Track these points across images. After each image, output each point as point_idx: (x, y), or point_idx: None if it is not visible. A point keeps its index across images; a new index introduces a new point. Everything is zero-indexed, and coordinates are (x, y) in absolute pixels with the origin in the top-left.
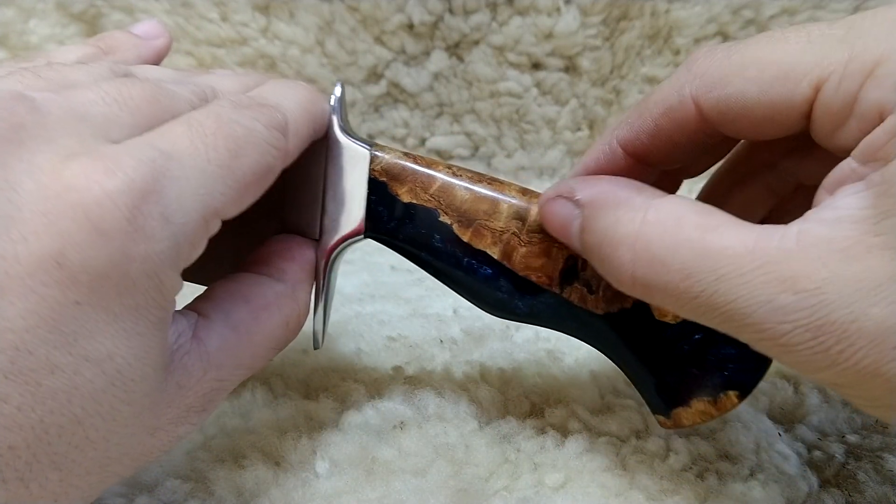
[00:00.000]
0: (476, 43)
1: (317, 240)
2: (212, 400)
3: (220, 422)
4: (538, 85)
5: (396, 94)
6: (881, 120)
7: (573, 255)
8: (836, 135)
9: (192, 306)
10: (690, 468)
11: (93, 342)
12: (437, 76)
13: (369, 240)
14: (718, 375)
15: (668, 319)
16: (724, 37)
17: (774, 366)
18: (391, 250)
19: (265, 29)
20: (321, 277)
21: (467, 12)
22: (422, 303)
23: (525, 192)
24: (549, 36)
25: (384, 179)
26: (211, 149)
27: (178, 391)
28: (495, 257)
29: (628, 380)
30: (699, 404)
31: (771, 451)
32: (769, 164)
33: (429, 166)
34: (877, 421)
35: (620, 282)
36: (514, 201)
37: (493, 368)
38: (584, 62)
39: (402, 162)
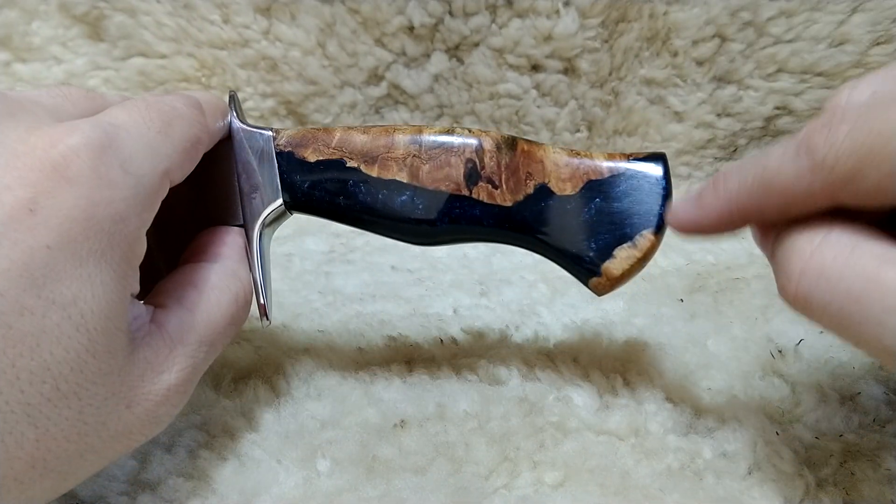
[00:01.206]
0: (476, 45)
1: (242, 225)
2: (188, 378)
3: (222, 420)
4: (537, 87)
5: (397, 96)
6: None
7: (470, 158)
8: None
9: (146, 302)
10: (688, 467)
11: (60, 286)
12: (437, 78)
13: (371, 241)
14: (628, 224)
15: (568, 192)
16: (723, 38)
17: (771, 364)
18: (334, 222)
19: (266, 31)
20: (255, 257)
21: (467, 14)
22: (422, 302)
23: (413, 126)
24: (548, 38)
25: (290, 149)
26: (148, 120)
27: (148, 366)
28: (405, 181)
29: (560, 268)
30: (622, 252)
31: (768, 449)
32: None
33: (325, 129)
34: (874, 420)
35: (786, 290)
36: (405, 134)
37: (492, 367)
38: (583, 64)
39: (302, 131)
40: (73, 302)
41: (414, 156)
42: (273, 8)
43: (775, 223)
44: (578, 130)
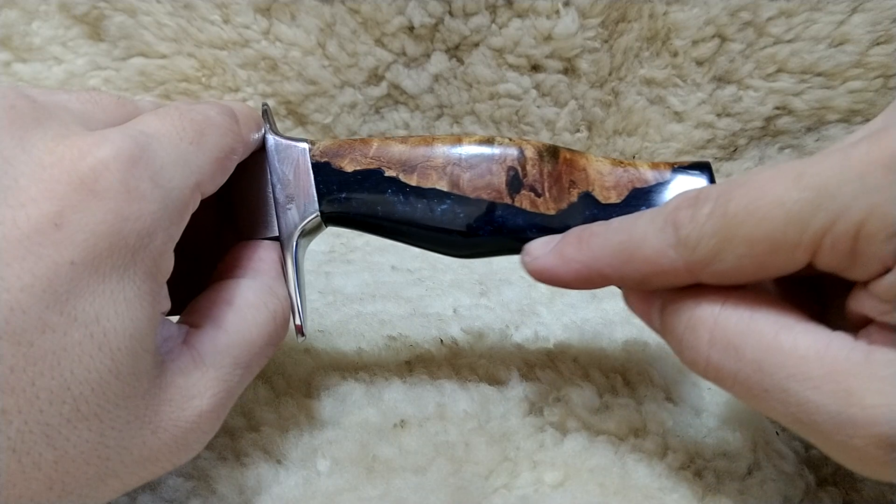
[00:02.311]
0: (476, 45)
1: (277, 238)
2: (221, 403)
3: None
4: (537, 87)
5: (397, 96)
6: (887, 270)
7: (512, 166)
8: (845, 274)
9: (180, 320)
10: (688, 466)
11: (83, 302)
12: (437, 78)
13: (371, 241)
14: None
15: (613, 200)
16: (723, 39)
17: None
18: (360, 231)
19: (267, 31)
20: (290, 270)
21: (467, 14)
22: (422, 302)
23: (452, 135)
24: (548, 38)
25: (326, 160)
26: (180, 129)
27: (177, 391)
28: (445, 189)
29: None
30: None
31: (768, 449)
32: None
33: (363, 140)
34: None
35: (696, 363)
36: (444, 143)
37: (492, 368)
38: (583, 64)
39: (338, 142)
40: (96, 319)
41: (454, 164)
42: (273, 8)
43: (652, 290)
44: (578, 130)
